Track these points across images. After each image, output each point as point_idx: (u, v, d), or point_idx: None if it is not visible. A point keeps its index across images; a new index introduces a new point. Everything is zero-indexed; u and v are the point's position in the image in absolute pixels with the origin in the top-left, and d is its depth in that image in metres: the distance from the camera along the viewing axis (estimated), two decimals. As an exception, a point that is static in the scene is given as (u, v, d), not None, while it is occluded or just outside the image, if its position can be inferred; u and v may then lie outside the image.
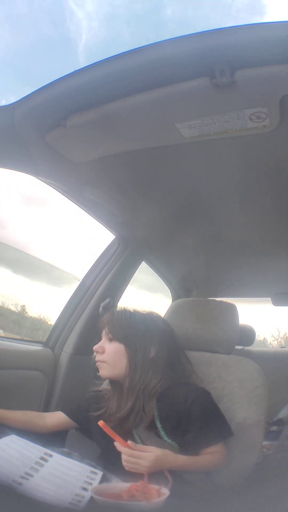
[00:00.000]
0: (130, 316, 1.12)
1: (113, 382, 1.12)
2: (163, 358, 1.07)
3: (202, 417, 1.00)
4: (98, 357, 1.10)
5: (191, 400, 1.01)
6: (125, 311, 1.13)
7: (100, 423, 0.89)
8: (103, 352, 1.09)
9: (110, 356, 1.08)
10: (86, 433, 1.14)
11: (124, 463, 0.86)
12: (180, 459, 0.90)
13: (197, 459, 0.95)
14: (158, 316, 1.17)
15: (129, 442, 0.87)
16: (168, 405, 1.02)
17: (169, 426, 0.99)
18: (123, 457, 0.86)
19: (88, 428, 1.12)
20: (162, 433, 0.99)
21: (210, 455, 0.96)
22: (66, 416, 1.13)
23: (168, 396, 1.03)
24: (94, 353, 1.10)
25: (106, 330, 1.10)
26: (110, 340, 1.09)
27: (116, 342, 1.08)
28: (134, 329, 1.08)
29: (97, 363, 1.10)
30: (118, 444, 0.88)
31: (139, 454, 0.86)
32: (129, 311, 1.13)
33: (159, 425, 1.00)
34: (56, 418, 1.14)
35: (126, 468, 0.86)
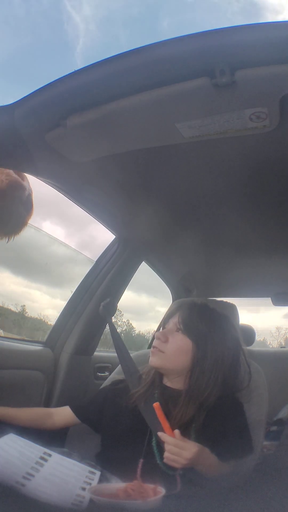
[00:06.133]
0: (211, 314, 1.03)
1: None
2: (227, 367, 0.99)
3: (233, 430, 0.96)
4: (156, 344, 1.00)
5: (228, 413, 0.97)
6: (207, 306, 1.06)
7: (156, 405, 0.85)
8: (165, 341, 1.00)
9: (172, 348, 0.99)
10: (94, 425, 1.10)
11: (166, 454, 0.82)
12: (213, 459, 0.86)
13: (222, 465, 0.90)
14: (232, 321, 1.09)
15: (175, 431, 0.83)
16: (210, 417, 0.96)
17: (203, 437, 0.93)
18: (167, 446, 0.82)
19: (99, 423, 1.07)
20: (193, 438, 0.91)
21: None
22: (73, 413, 1.11)
23: (215, 409, 0.96)
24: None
25: (179, 319, 1.01)
26: (178, 331, 1.00)
27: (185, 336, 0.99)
28: (210, 329, 0.99)
29: (153, 349, 1.01)
30: (163, 434, 0.83)
31: (184, 444, 0.81)
32: (210, 308, 1.06)
33: (193, 435, 0.93)
34: (64, 415, 1.11)
35: (166, 460, 0.82)
